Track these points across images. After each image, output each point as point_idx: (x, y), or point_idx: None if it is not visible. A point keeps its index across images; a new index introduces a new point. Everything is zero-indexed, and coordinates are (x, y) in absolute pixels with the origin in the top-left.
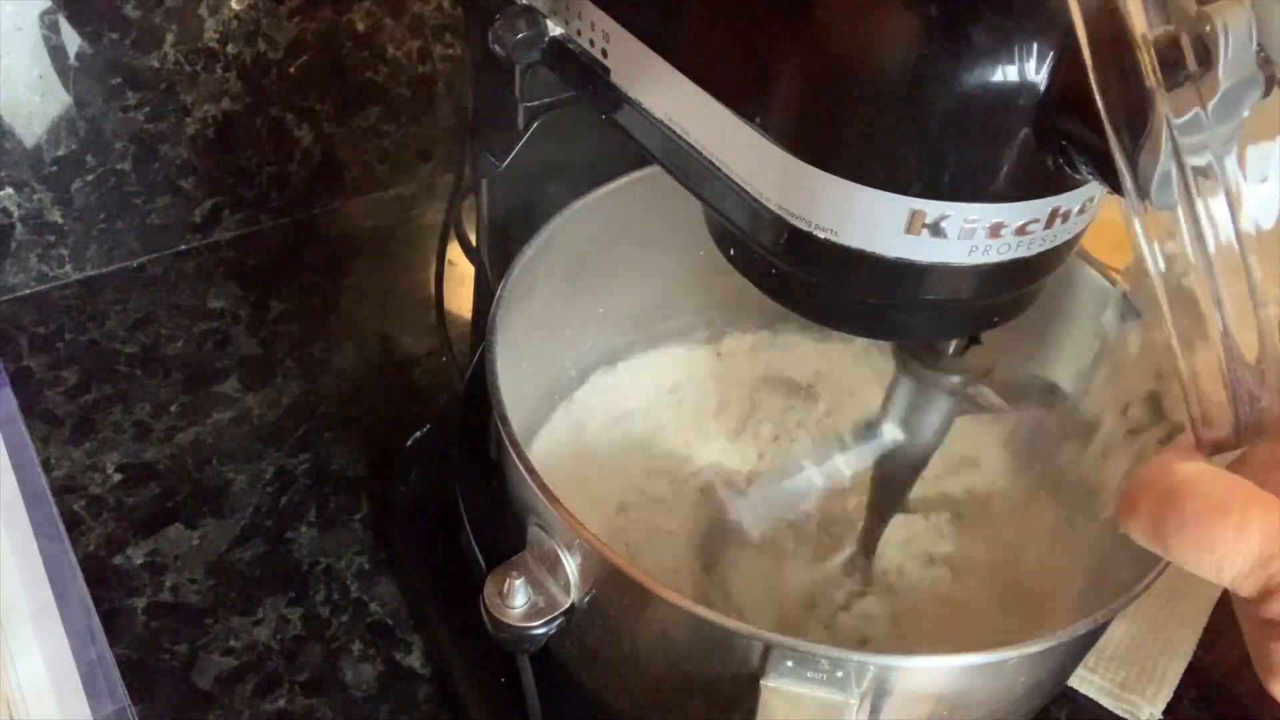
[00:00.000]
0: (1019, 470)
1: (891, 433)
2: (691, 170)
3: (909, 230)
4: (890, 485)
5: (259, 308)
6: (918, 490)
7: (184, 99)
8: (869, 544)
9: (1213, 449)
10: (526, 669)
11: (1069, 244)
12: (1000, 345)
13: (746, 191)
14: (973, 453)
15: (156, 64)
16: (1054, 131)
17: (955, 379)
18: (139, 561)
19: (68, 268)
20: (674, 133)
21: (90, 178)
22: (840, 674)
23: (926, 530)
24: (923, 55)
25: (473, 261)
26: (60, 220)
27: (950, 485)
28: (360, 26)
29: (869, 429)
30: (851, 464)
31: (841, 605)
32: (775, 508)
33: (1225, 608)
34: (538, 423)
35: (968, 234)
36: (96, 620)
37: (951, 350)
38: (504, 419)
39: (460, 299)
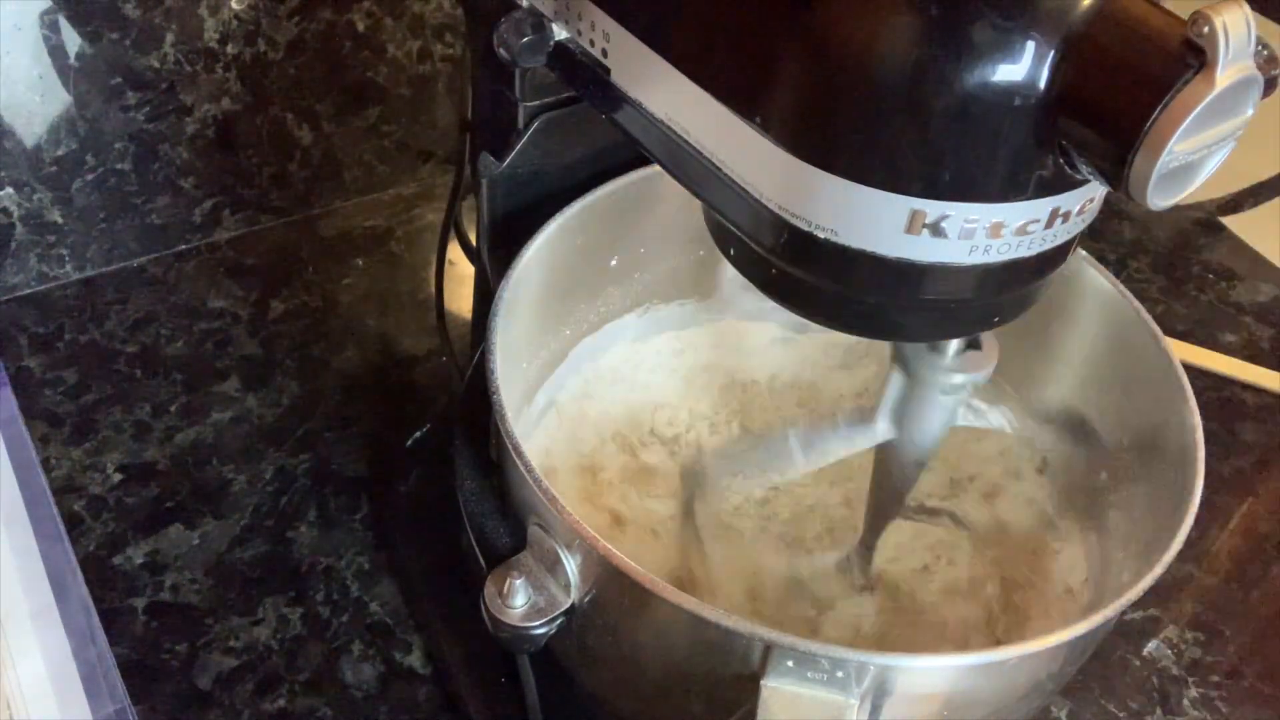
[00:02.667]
0: (1047, 497)
1: (885, 427)
2: (691, 170)
3: (909, 230)
4: (889, 484)
5: (259, 308)
6: (933, 500)
7: (184, 99)
8: (868, 542)
9: None
10: (526, 669)
11: (1069, 244)
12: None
13: (747, 191)
14: (1002, 474)
15: (156, 64)
16: (1054, 131)
17: (950, 379)
18: (139, 561)
19: (68, 268)
20: (674, 133)
21: (90, 178)
22: (841, 674)
23: (935, 538)
24: (923, 55)
25: (473, 261)
26: (60, 220)
27: (970, 501)
28: (360, 26)
29: (862, 417)
30: (839, 448)
31: (831, 603)
32: (749, 466)
33: (1225, 607)
34: (538, 421)
35: (968, 234)
36: (96, 620)
37: (951, 351)
38: (504, 419)
39: (460, 299)
